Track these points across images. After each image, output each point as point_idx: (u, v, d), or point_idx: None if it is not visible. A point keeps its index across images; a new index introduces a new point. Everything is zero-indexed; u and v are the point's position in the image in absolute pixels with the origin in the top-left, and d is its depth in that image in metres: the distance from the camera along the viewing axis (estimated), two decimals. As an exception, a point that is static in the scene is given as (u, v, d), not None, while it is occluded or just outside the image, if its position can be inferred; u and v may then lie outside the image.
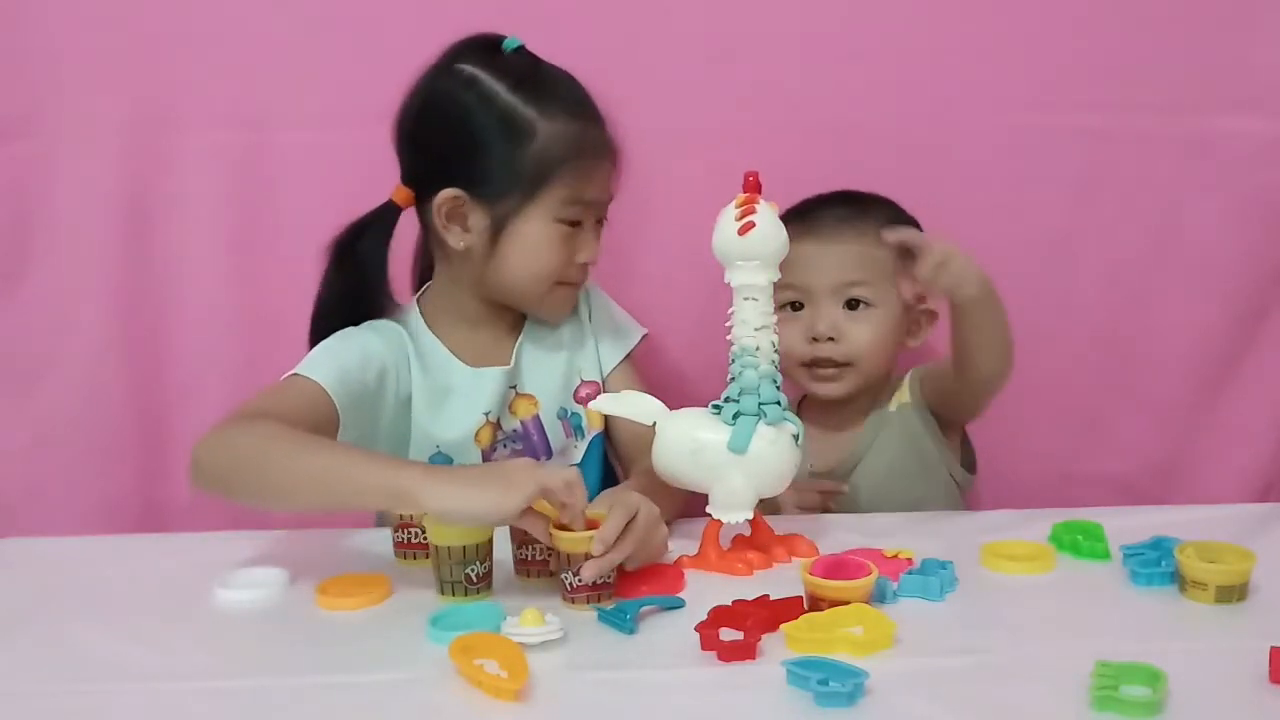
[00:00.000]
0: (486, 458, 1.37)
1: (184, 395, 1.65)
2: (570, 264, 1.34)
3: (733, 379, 1.19)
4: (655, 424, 1.22)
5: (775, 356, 1.20)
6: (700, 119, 1.60)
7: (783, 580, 1.13)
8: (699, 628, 1.00)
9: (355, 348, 1.31)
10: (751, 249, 1.16)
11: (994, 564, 1.17)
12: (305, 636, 1.07)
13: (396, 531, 1.22)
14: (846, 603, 1.03)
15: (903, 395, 1.46)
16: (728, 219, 1.17)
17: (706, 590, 1.11)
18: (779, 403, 1.19)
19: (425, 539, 1.14)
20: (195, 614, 1.11)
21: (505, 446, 1.39)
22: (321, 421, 1.21)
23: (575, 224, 1.33)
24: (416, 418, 1.35)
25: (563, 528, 1.09)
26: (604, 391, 1.43)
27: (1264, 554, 1.10)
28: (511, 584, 1.16)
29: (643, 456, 1.27)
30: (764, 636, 1.00)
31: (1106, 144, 1.63)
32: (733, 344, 1.19)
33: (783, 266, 1.20)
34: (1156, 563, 1.13)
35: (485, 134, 1.29)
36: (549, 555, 1.12)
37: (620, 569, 1.11)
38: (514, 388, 1.40)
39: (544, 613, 1.01)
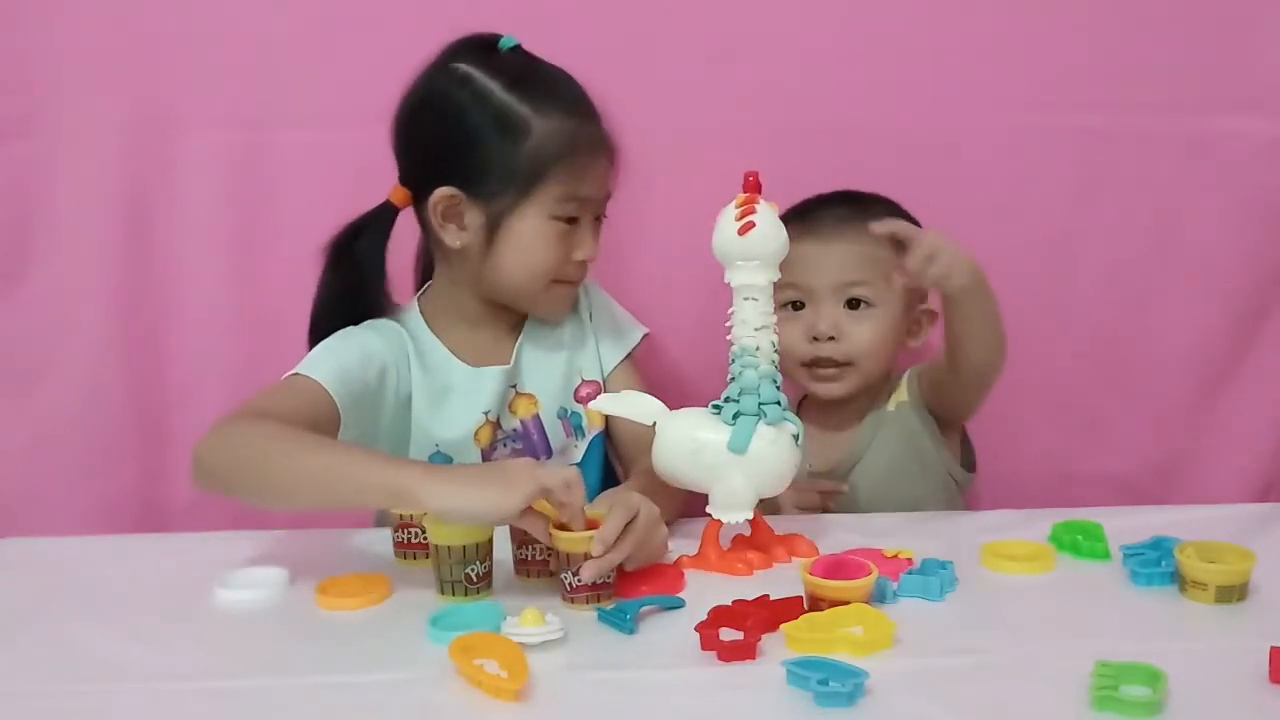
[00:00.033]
0: (486, 457, 1.37)
1: (184, 395, 1.65)
2: (567, 262, 1.34)
3: (733, 379, 1.19)
4: (655, 424, 1.22)
5: (775, 356, 1.20)
6: (700, 119, 1.60)
7: (783, 580, 1.13)
8: (699, 628, 1.00)
9: (356, 347, 1.31)
10: (751, 249, 1.16)
11: (994, 564, 1.17)
12: (305, 636, 1.07)
13: (396, 531, 1.22)
14: (846, 603, 1.03)
15: (901, 395, 1.47)
16: (728, 219, 1.17)
17: (706, 590, 1.11)
18: (779, 403, 1.19)
19: (425, 539, 1.14)
20: (195, 614, 1.11)
21: (505, 446, 1.39)
22: (322, 420, 1.21)
23: (572, 221, 1.33)
24: (416, 417, 1.35)
25: (562, 527, 1.09)
26: (605, 391, 1.43)
27: (1264, 554, 1.10)
28: (511, 584, 1.16)
29: (643, 456, 1.27)
30: (764, 636, 1.00)
31: (1106, 144, 1.63)
32: (733, 344, 1.19)
33: (783, 266, 1.20)
34: (1156, 563, 1.13)
35: (480, 132, 1.29)
36: (549, 555, 1.12)
37: (620, 569, 1.11)
38: (514, 387, 1.40)
39: (544, 613, 1.01)
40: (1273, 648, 0.92)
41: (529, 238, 1.32)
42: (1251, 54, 1.61)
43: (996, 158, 1.64)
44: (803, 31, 1.61)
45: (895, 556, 1.17)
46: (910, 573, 1.12)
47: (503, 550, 1.15)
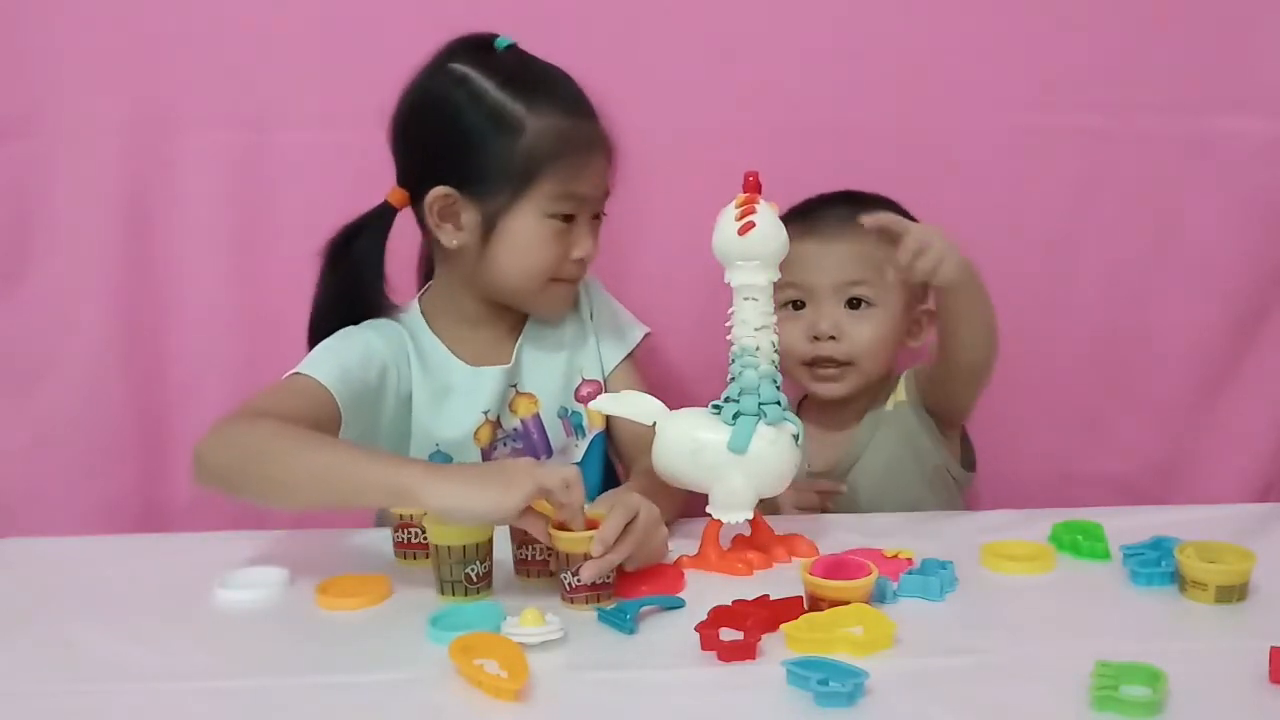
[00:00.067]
0: (486, 456, 1.37)
1: (184, 395, 1.65)
2: (565, 260, 1.34)
3: (733, 379, 1.19)
4: (655, 424, 1.22)
5: (775, 356, 1.20)
6: (700, 119, 1.60)
7: (783, 580, 1.13)
8: (699, 628, 1.00)
9: (357, 346, 1.31)
10: (751, 249, 1.16)
11: (994, 564, 1.17)
12: (305, 636, 1.07)
13: (396, 531, 1.22)
14: (846, 603, 1.03)
15: (899, 394, 1.47)
16: (728, 219, 1.17)
17: (706, 590, 1.11)
18: (779, 403, 1.19)
19: (425, 539, 1.14)
20: (195, 614, 1.11)
21: (505, 445, 1.39)
22: (323, 419, 1.22)
23: (568, 219, 1.32)
24: (417, 416, 1.35)
25: (562, 527, 1.09)
26: (605, 390, 1.43)
27: (1264, 554, 1.10)
28: (511, 584, 1.15)
29: (643, 456, 1.27)
30: (764, 636, 0.99)
31: (1106, 144, 1.64)
32: (733, 344, 1.19)
33: (784, 265, 1.20)
34: (1156, 563, 1.13)
35: (474, 131, 1.29)
36: (549, 555, 1.12)
37: (620, 569, 1.11)
38: (514, 386, 1.40)
39: (544, 613, 1.01)
40: (1273, 648, 0.92)
41: (525, 236, 1.31)
42: (1251, 54, 1.62)
43: (996, 158, 1.64)
44: (803, 31, 1.61)
45: (895, 556, 1.16)
46: (910, 573, 1.12)
47: (503, 550, 1.15)
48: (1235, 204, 1.64)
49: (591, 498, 1.14)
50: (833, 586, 1.05)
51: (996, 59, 1.62)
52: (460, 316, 1.39)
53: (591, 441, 1.43)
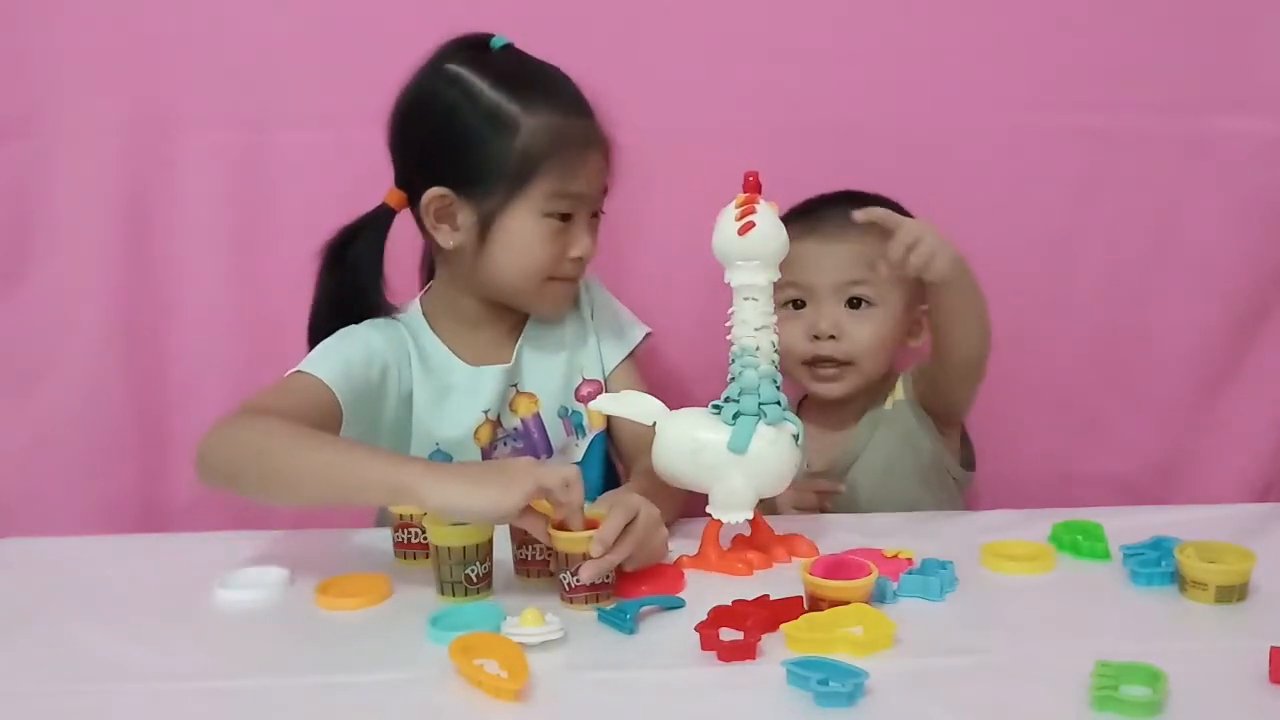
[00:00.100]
0: (486, 455, 1.37)
1: (184, 395, 1.65)
2: (563, 259, 1.34)
3: (733, 379, 1.19)
4: (655, 424, 1.22)
5: (775, 356, 1.20)
6: (700, 119, 1.60)
7: (783, 580, 1.13)
8: (699, 628, 1.00)
9: (358, 345, 1.31)
10: (751, 249, 1.16)
11: (994, 564, 1.17)
12: (305, 636, 1.07)
13: (396, 531, 1.22)
14: (846, 603, 1.03)
15: (898, 394, 1.47)
16: (728, 219, 1.17)
17: (706, 590, 1.11)
18: (779, 403, 1.19)
19: (425, 539, 1.14)
20: (195, 614, 1.11)
21: (505, 444, 1.39)
22: (325, 417, 1.22)
23: (566, 218, 1.32)
24: (417, 415, 1.35)
25: (562, 527, 1.09)
26: (606, 390, 1.43)
27: (1264, 554, 1.10)
28: (511, 584, 1.16)
29: (644, 456, 1.27)
30: (764, 636, 0.99)
31: (1106, 144, 1.63)
32: (733, 344, 1.19)
33: (785, 265, 1.20)
34: (1156, 563, 1.13)
35: (469, 131, 1.29)
36: (549, 555, 1.12)
37: (619, 569, 1.11)
38: (514, 386, 1.40)
39: (544, 613, 1.01)
40: (1273, 648, 0.92)
41: (521, 236, 1.31)
42: (1251, 54, 1.61)
43: (996, 158, 1.64)
44: (803, 31, 1.61)
45: (895, 556, 1.16)
46: (910, 573, 1.12)
47: (503, 550, 1.15)
48: (1235, 204, 1.64)
49: (592, 498, 1.14)
50: (833, 586, 1.05)
51: (996, 59, 1.62)
52: (460, 316, 1.39)
53: (592, 441, 1.43)
